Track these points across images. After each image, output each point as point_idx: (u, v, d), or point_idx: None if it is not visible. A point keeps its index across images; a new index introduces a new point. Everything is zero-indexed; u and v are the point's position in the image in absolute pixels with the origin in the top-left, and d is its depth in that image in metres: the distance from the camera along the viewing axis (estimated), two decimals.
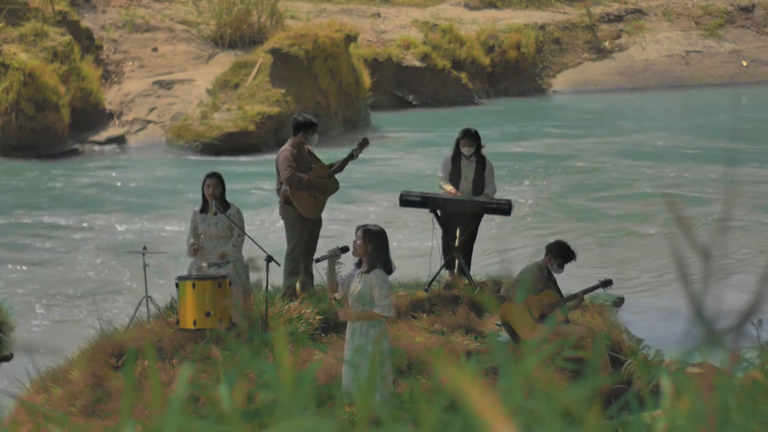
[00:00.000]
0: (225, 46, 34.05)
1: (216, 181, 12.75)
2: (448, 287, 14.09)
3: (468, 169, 14.19)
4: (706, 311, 2.25)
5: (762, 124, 33.02)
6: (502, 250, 18.47)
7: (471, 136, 14.22)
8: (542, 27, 40.67)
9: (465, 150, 14.16)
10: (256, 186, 24.91)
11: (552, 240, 13.10)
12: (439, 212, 14.11)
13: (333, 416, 2.10)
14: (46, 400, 11.57)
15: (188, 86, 31.70)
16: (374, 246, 10.13)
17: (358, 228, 10.30)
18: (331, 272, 10.50)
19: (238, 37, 34.29)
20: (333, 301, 11.59)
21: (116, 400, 11.23)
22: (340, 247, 10.66)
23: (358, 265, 10.32)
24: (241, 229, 12.63)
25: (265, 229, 19.26)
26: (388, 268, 10.19)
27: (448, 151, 14.44)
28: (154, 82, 31.90)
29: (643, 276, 18.44)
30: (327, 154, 15.12)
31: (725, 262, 18.08)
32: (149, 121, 30.67)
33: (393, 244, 10.92)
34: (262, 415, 2.15)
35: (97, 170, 27.70)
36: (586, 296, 13.23)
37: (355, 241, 10.24)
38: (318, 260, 11.24)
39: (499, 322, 12.79)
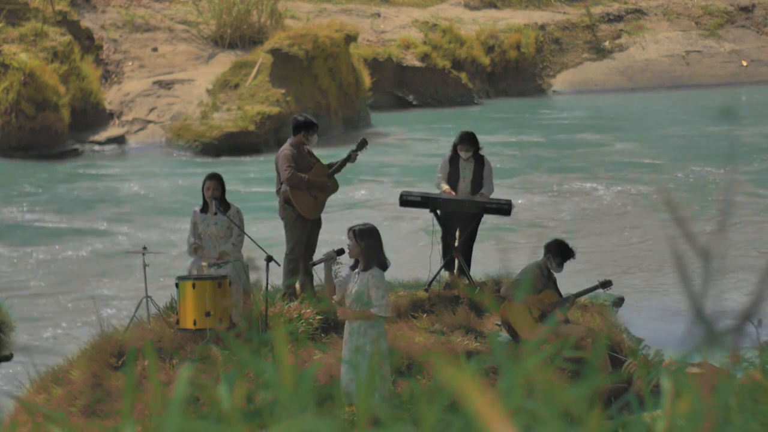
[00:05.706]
0: (225, 46, 34.03)
1: (216, 183, 12.73)
2: (448, 287, 14.09)
3: (466, 170, 14.19)
4: (706, 311, 2.25)
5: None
6: (502, 249, 18.47)
7: (468, 141, 14.20)
8: (542, 27, 40.64)
9: (463, 154, 14.16)
10: (256, 186, 24.90)
11: (551, 239, 13.09)
12: (439, 212, 14.11)
13: (333, 416, 2.10)
14: (46, 400, 11.57)
15: (188, 86, 31.69)
16: (367, 244, 10.22)
17: (349, 230, 10.38)
18: (328, 275, 10.60)
19: (238, 37, 34.27)
20: (333, 301, 11.62)
21: (116, 400, 11.23)
22: (335, 250, 10.73)
23: (353, 267, 10.40)
24: (241, 228, 12.62)
25: (265, 229, 19.25)
26: (383, 265, 10.27)
27: (447, 153, 14.44)
28: (154, 82, 31.88)
29: (643, 276, 18.44)
30: (327, 154, 15.12)
31: (725, 262, 18.08)
32: (149, 121, 30.66)
33: (393, 245, 10.93)
34: (262, 415, 2.15)
35: (96, 170, 27.69)
36: (586, 296, 13.23)
37: (348, 243, 10.32)
38: (314, 263, 11.33)
39: (499, 322, 12.78)
